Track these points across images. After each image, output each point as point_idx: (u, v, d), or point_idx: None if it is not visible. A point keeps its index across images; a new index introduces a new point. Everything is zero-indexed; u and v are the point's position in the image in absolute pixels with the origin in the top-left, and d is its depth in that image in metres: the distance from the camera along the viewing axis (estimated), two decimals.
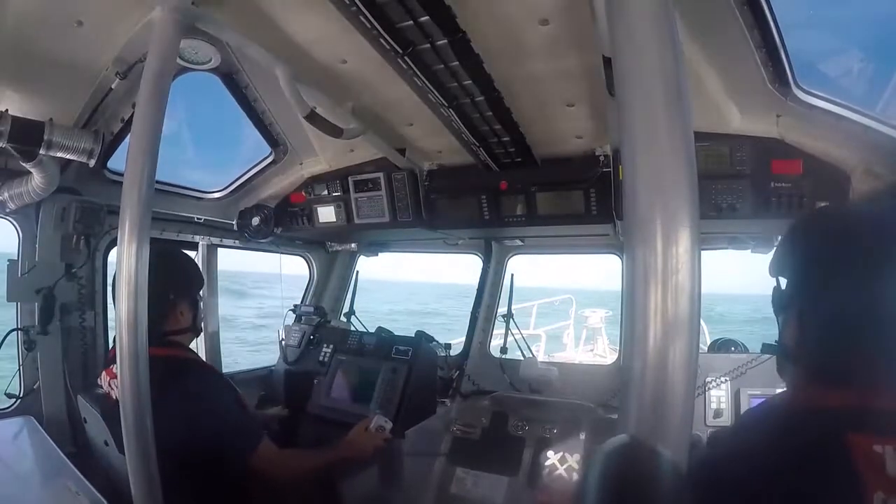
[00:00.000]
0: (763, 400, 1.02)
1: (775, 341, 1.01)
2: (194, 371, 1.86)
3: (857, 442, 0.77)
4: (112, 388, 1.76)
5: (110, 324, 2.51)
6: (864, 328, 0.84)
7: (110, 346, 2.27)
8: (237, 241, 3.28)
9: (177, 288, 1.91)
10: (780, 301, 0.98)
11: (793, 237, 1.00)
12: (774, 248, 1.02)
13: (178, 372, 1.75)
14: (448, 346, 3.27)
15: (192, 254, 3.12)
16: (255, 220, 3.10)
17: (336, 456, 2.07)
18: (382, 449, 2.16)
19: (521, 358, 3.04)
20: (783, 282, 0.98)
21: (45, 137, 1.87)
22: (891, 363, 0.83)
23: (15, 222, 2.35)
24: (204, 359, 2.60)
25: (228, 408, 1.80)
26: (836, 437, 0.78)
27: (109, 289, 2.27)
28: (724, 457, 0.93)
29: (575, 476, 2.31)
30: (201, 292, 2.06)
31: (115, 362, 1.68)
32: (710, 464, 0.92)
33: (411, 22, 1.36)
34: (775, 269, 1.00)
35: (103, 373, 1.86)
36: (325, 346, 2.98)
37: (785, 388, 1.00)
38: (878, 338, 0.84)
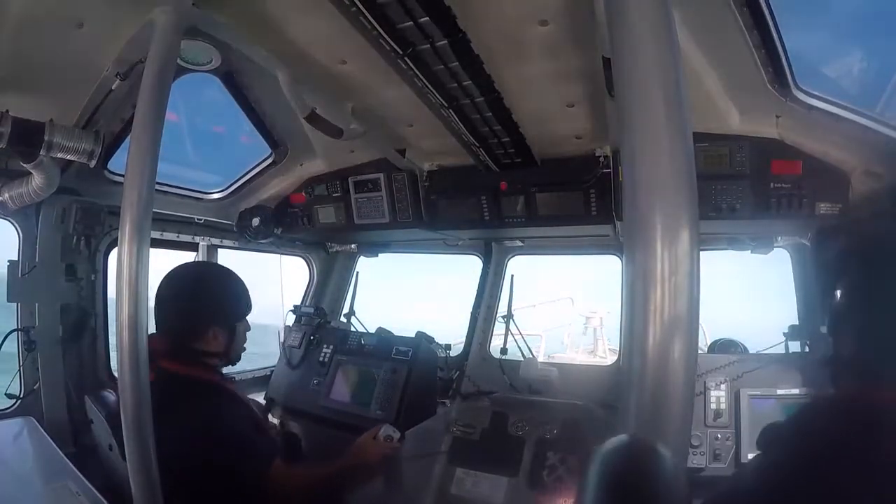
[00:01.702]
0: (812, 397, 1.07)
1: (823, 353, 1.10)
2: (211, 393, 1.80)
3: None
4: None
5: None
6: None
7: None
8: (237, 242, 3.28)
9: (216, 309, 1.84)
10: (837, 311, 1.03)
11: (856, 252, 1.06)
12: (828, 261, 1.11)
13: (195, 393, 1.72)
14: (448, 347, 3.27)
15: (191, 255, 3.12)
16: (255, 221, 3.10)
17: (345, 469, 2.04)
18: (390, 459, 2.14)
19: (521, 358, 3.04)
20: (836, 296, 1.02)
21: (46, 138, 1.87)
22: None
23: (15, 223, 2.35)
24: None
25: (241, 432, 1.75)
26: (890, 432, 0.83)
27: (111, 289, 2.27)
28: (785, 450, 0.98)
29: (575, 476, 2.31)
30: (243, 322, 1.95)
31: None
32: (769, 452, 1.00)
33: (411, 23, 1.36)
34: (835, 280, 1.04)
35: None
36: (325, 346, 2.98)
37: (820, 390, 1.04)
38: None
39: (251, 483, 1.69)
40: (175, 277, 1.88)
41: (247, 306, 1.97)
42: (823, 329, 1.07)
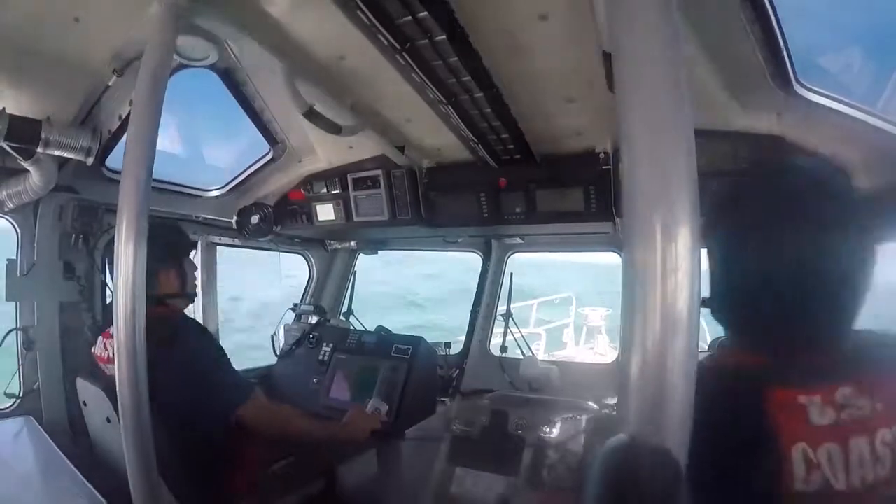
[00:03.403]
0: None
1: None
2: (182, 327, 1.90)
3: (777, 395, 0.79)
4: (107, 350, 1.83)
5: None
6: (788, 285, 0.83)
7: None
8: (236, 240, 3.27)
9: (161, 254, 1.90)
10: (708, 261, 0.96)
11: (719, 199, 0.98)
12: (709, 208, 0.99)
13: (166, 329, 1.79)
14: (448, 345, 3.27)
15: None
16: (254, 219, 3.09)
17: (332, 431, 2.12)
18: (378, 433, 2.19)
19: (521, 356, 3.03)
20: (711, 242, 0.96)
21: (43, 135, 1.87)
22: (825, 328, 0.84)
23: (13, 221, 2.35)
24: None
25: (216, 360, 1.87)
26: (755, 394, 0.80)
27: (109, 287, 2.28)
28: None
29: (575, 475, 2.31)
30: (188, 259, 2.11)
31: (111, 324, 1.73)
32: None
33: (410, 18, 1.35)
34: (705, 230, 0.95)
35: (100, 338, 1.91)
36: (324, 344, 2.98)
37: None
38: (801, 295, 0.83)
39: (231, 407, 1.79)
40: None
41: (187, 244, 2.15)
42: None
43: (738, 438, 0.78)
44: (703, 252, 0.85)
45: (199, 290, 2.24)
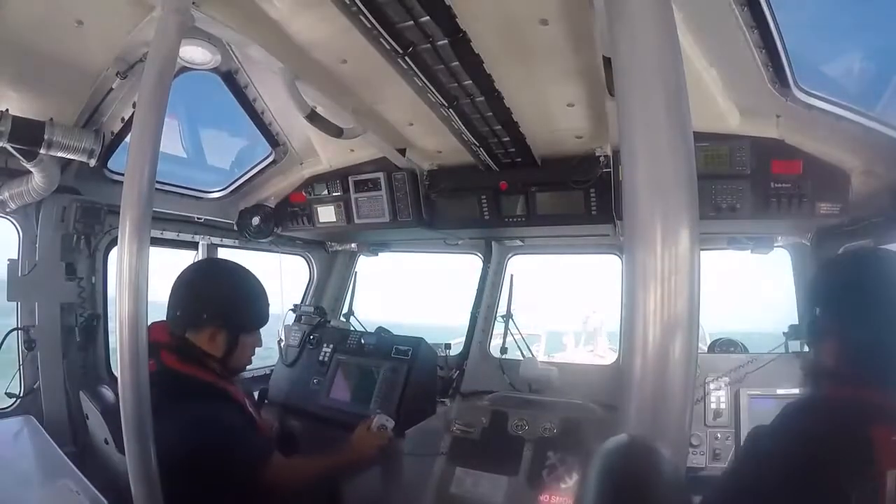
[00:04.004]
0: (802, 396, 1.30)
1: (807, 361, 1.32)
2: (206, 393, 1.74)
3: (878, 431, 0.97)
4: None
5: (110, 323, 2.52)
6: (893, 348, 1.08)
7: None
8: (237, 241, 3.28)
9: (218, 307, 1.74)
10: (818, 328, 1.23)
11: (831, 275, 1.29)
12: (810, 284, 1.32)
13: (190, 392, 1.69)
14: (448, 346, 3.27)
15: (191, 254, 3.12)
16: (256, 220, 3.10)
17: (341, 460, 2.07)
18: (386, 448, 2.17)
19: (521, 358, 3.04)
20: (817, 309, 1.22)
21: (46, 137, 1.88)
22: None
23: (15, 222, 2.35)
24: None
25: (236, 423, 1.74)
26: (861, 425, 0.99)
27: (111, 288, 2.27)
28: (765, 440, 1.17)
29: (574, 476, 2.31)
30: (251, 333, 1.85)
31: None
32: (755, 447, 1.19)
33: (411, 22, 1.36)
34: (812, 302, 1.26)
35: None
36: (325, 346, 2.98)
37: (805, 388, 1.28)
38: None
39: (243, 480, 1.67)
40: (194, 268, 1.87)
41: (256, 317, 1.86)
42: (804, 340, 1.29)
43: (845, 457, 0.97)
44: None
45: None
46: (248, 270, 1.91)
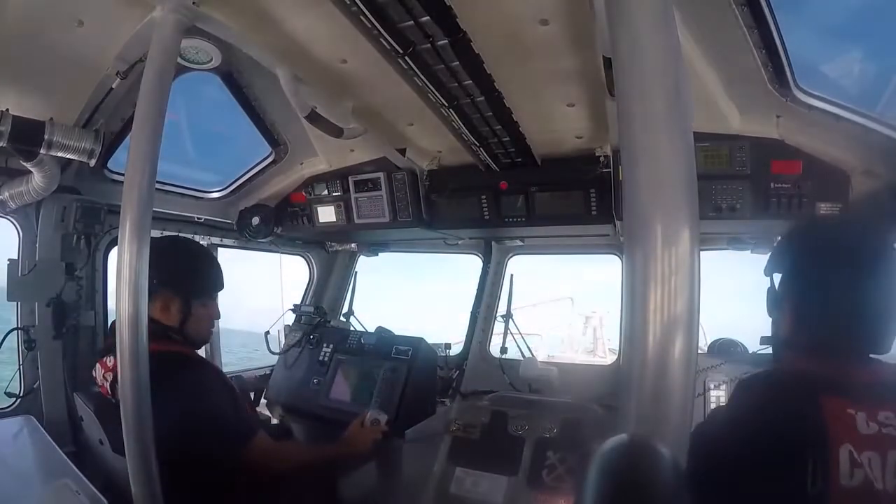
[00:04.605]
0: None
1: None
2: (186, 366, 1.76)
3: (830, 402, 0.95)
4: (105, 381, 1.73)
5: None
6: (847, 317, 1.04)
7: (110, 323, 2.22)
8: (237, 241, 3.28)
9: (168, 274, 1.73)
10: (776, 297, 1.19)
11: (789, 244, 1.22)
12: (770, 254, 1.24)
13: (168, 367, 1.63)
14: (448, 346, 3.27)
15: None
16: (255, 220, 3.10)
17: (335, 453, 2.09)
18: (380, 443, 2.17)
19: (521, 358, 3.04)
20: (777, 281, 1.18)
21: (46, 137, 1.87)
22: (867, 346, 1.05)
23: (15, 222, 2.35)
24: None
25: (221, 401, 1.75)
26: (811, 396, 0.97)
27: (111, 288, 2.27)
28: (719, 416, 1.18)
29: (574, 476, 2.31)
30: (206, 303, 1.87)
31: (110, 353, 1.68)
32: (710, 422, 1.17)
33: (412, 22, 1.36)
34: (771, 270, 1.20)
35: (97, 364, 1.80)
36: (324, 345, 2.98)
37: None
38: (858, 325, 1.05)
39: (231, 456, 1.69)
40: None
41: (206, 282, 1.87)
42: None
43: (794, 429, 0.94)
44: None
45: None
46: (197, 242, 2.14)
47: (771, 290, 1.20)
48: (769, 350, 1.31)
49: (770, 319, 1.23)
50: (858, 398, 0.96)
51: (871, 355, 1.06)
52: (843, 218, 1.34)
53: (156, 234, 2.71)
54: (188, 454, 1.56)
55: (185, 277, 1.82)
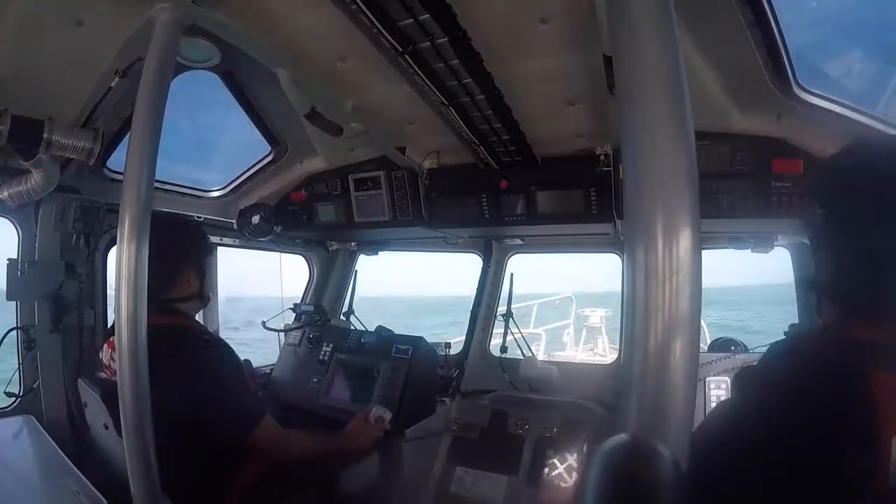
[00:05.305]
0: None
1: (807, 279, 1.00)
2: (198, 341, 1.85)
3: (880, 377, 0.75)
4: (112, 362, 1.76)
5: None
6: None
7: (109, 323, 2.27)
8: (237, 240, 3.27)
9: (185, 254, 1.93)
10: (820, 233, 0.95)
11: (837, 165, 0.96)
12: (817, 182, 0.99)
13: (181, 341, 1.76)
14: (448, 346, 3.27)
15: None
16: (255, 219, 3.09)
17: (338, 446, 2.09)
18: (383, 439, 2.18)
19: (521, 357, 3.04)
20: (822, 214, 0.93)
21: (45, 136, 1.87)
22: None
23: (14, 221, 2.35)
24: None
25: (232, 381, 1.80)
26: (859, 370, 0.76)
27: (110, 287, 2.28)
28: (751, 389, 0.90)
29: (575, 475, 2.31)
30: (208, 261, 2.10)
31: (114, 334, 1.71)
32: (739, 397, 0.92)
33: (411, 20, 1.35)
34: (818, 198, 0.96)
35: (105, 346, 1.87)
36: (324, 345, 2.98)
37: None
38: None
39: (240, 432, 1.73)
40: None
41: (207, 245, 2.09)
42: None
43: (835, 412, 0.75)
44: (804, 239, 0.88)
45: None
46: (172, 214, 2.47)
47: (815, 227, 0.96)
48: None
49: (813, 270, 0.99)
50: None
51: None
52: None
53: None
54: (196, 432, 1.60)
55: (194, 246, 2.01)
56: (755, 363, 0.96)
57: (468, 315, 3.34)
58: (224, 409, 1.72)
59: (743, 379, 0.96)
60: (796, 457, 0.76)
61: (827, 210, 0.93)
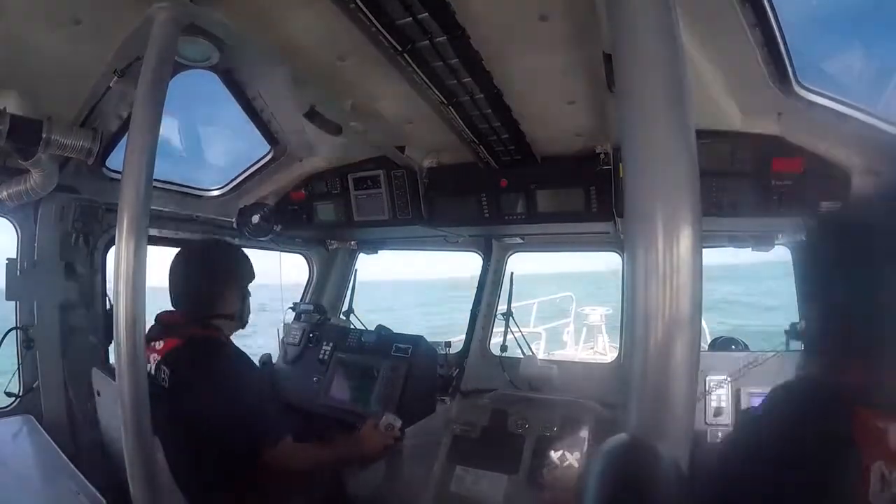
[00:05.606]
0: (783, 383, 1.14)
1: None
2: (232, 354, 1.90)
3: (861, 416, 0.87)
4: (149, 364, 1.81)
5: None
6: (883, 321, 0.94)
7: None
8: (237, 240, 3.27)
9: (231, 275, 2.04)
10: (807, 295, 1.17)
11: (823, 236, 1.14)
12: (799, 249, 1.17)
13: (216, 352, 1.83)
14: (448, 345, 3.27)
15: None
16: (255, 218, 3.09)
17: (347, 454, 2.12)
18: (391, 447, 2.19)
19: (521, 356, 3.03)
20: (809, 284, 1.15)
21: (44, 136, 1.87)
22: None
23: (14, 221, 2.35)
24: None
25: (260, 396, 1.86)
26: (844, 407, 0.89)
27: (110, 287, 2.28)
28: (751, 420, 1.09)
29: (575, 474, 2.31)
30: (249, 287, 2.15)
31: (155, 339, 1.85)
32: (741, 429, 1.13)
33: (410, 19, 1.35)
34: (806, 270, 1.19)
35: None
36: (324, 344, 2.98)
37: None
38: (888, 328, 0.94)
39: (260, 447, 1.77)
40: (189, 251, 2.09)
41: (253, 271, 2.14)
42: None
43: (826, 447, 0.88)
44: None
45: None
46: (224, 239, 2.54)
47: (802, 287, 1.18)
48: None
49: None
50: (892, 407, 0.89)
51: None
52: (882, 203, 1.17)
53: (154, 232, 2.72)
54: (216, 441, 1.65)
55: (239, 269, 2.11)
56: (757, 408, 1.12)
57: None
58: (248, 423, 1.76)
59: (749, 422, 1.14)
60: (797, 487, 0.89)
61: (817, 272, 1.11)
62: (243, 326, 2.12)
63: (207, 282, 1.97)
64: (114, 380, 1.74)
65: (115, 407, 1.73)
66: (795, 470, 0.89)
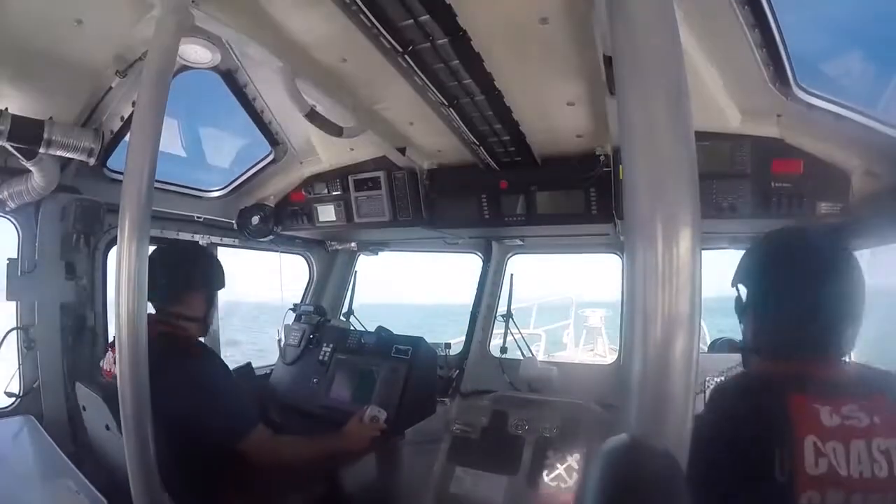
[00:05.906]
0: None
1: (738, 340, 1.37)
2: (191, 349, 1.90)
3: (795, 399, 1.04)
4: (113, 366, 1.79)
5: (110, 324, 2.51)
6: (808, 321, 1.12)
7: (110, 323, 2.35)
8: (237, 241, 3.27)
9: (200, 276, 2.03)
10: (742, 306, 1.27)
11: (751, 255, 1.30)
12: (736, 267, 1.32)
13: (177, 349, 1.81)
14: (448, 346, 3.27)
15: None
16: (255, 219, 3.10)
17: (332, 447, 2.11)
18: (379, 439, 2.19)
19: (521, 357, 3.03)
20: (743, 291, 1.27)
21: (45, 136, 1.87)
22: (828, 347, 1.13)
23: (15, 221, 2.35)
24: None
25: (223, 389, 1.85)
26: (779, 395, 1.06)
27: (110, 287, 2.29)
28: (698, 420, 1.11)
29: (575, 475, 2.31)
30: (216, 295, 2.13)
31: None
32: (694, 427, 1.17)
33: (411, 21, 1.35)
34: (737, 281, 1.29)
35: (108, 352, 1.92)
36: (324, 345, 2.98)
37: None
38: (818, 327, 1.13)
39: (232, 439, 1.78)
40: (163, 250, 2.06)
41: (222, 279, 2.13)
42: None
43: (763, 425, 1.03)
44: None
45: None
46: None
47: (738, 300, 1.29)
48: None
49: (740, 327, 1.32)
50: (823, 394, 1.05)
51: (835, 355, 1.14)
52: (801, 227, 1.40)
53: (155, 232, 2.72)
54: (188, 436, 1.63)
55: (207, 273, 2.09)
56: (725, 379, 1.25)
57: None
58: (215, 417, 1.77)
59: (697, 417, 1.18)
60: (739, 463, 1.03)
61: (748, 286, 1.26)
62: (206, 332, 2.10)
63: (177, 281, 1.96)
64: (97, 395, 1.76)
65: (99, 423, 1.74)
66: (737, 451, 1.02)
